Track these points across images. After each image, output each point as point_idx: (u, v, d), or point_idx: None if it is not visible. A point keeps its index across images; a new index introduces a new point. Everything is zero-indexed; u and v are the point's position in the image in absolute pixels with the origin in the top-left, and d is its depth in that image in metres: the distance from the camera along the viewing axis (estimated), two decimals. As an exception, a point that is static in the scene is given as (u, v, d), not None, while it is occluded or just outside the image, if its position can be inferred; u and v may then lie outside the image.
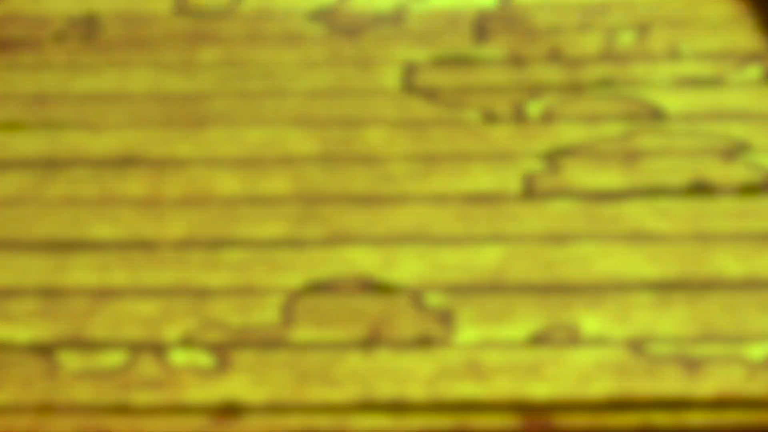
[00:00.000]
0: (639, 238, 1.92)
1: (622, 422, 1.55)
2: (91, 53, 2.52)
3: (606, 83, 2.35)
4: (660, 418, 1.56)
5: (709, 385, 1.61)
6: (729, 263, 1.84)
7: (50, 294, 1.83)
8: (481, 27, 2.59)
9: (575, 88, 2.33)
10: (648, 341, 1.70)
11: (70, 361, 1.68)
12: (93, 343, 1.72)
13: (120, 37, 2.60)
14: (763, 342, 1.68)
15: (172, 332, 1.73)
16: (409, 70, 2.43)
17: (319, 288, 1.82)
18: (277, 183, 2.06)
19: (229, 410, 1.61)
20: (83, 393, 1.62)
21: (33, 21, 2.68)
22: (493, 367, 1.65)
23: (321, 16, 2.67)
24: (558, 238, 1.92)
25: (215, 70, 2.44)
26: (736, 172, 2.05)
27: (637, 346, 1.67)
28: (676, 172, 2.05)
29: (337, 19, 2.64)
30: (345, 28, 2.60)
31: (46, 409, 1.61)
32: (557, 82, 2.35)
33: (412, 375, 1.64)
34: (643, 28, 2.57)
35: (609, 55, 2.46)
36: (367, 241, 1.92)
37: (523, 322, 1.73)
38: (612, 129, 2.19)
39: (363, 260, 1.86)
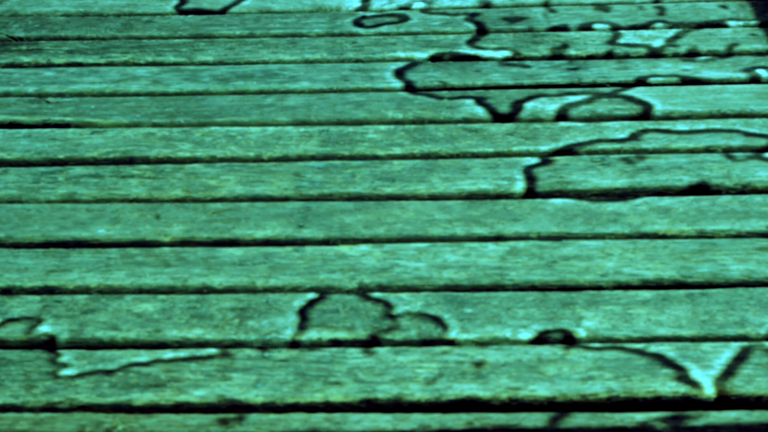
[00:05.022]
0: (639, 238, 1.92)
1: (622, 422, 1.55)
2: (91, 53, 2.52)
3: (606, 83, 2.35)
4: (660, 418, 1.56)
5: (709, 384, 1.61)
6: (729, 263, 1.84)
7: (50, 294, 1.83)
8: (482, 26, 2.59)
9: (576, 88, 2.33)
10: (648, 341, 1.70)
11: (71, 360, 1.68)
12: (93, 343, 1.72)
13: (120, 37, 2.60)
14: (763, 342, 1.68)
15: (171, 332, 1.73)
16: (409, 70, 2.43)
17: (319, 288, 1.82)
18: (277, 183, 2.06)
19: (229, 410, 1.61)
20: (83, 393, 1.62)
21: (33, 21, 2.68)
22: (494, 367, 1.65)
23: (321, 16, 2.67)
24: (558, 238, 1.92)
25: (215, 70, 2.44)
26: (736, 172, 2.05)
27: (637, 346, 1.67)
28: (676, 172, 2.05)
29: (337, 19, 2.64)
30: (346, 28, 2.60)
31: (46, 409, 1.61)
32: (558, 82, 2.35)
33: (412, 375, 1.64)
34: (644, 28, 2.57)
35: (610, 55, 2.46)
36: (367, 241, 1.92)
37: (523, 322, 1.73)
38: (612, 129, 2.19)
39: (363, 260, 1.86)
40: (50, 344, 1.73)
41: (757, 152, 2.12)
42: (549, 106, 2.26)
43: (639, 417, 1.56)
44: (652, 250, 1.87)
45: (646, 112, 2.24)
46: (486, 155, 2.13)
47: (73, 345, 1.72)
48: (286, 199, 2.03)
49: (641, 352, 1.66)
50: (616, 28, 2.56)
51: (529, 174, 2.06)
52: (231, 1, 2.73)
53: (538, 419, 1.56)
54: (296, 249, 1.89)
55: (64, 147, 2.18)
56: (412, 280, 1.82)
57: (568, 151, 2.13)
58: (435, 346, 1.70)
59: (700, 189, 2.03)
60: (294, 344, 1.71)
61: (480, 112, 2.25)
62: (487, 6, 2.69)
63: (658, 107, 2.25)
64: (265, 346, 1.71)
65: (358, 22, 2.62)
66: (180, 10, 2.70)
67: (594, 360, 1.65)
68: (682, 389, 1.60)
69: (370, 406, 1.61)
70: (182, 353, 1.69)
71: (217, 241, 1.93)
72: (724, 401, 1.60)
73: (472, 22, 2.60)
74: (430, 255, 1.87)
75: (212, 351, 1.69)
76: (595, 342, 1.70)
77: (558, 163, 2.09)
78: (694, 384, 1.60)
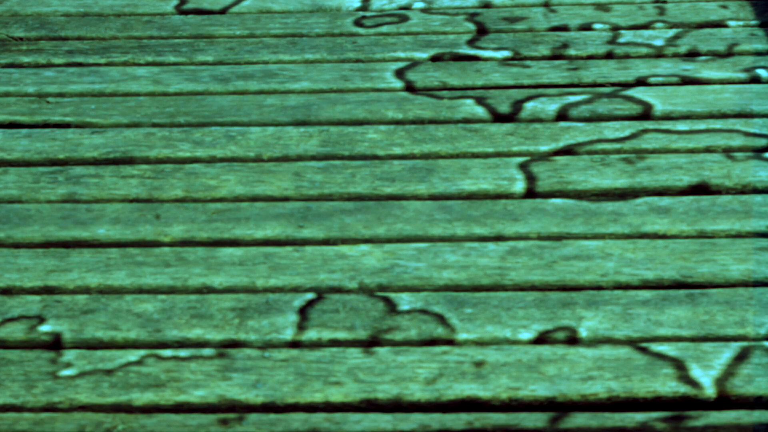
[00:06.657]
0: (639, 238, 1.92)
1: (622, 422, 1.55)
2: (91, 53, 2.52)
3: (606, 83, 2.35)
4: (660, 418, 1.56)
5: (709, 384, 1.61)
6: (729, 263, 1.84)
7: (50, 294, 1.83)
8: (482, 26, 2.59)
9: (576, 88, 2.33)
10: (648, 341, 1.70)
11: (71, 360, 1.68)
12: (93, 342, 1.72)
13: (120, 37, 2.60)
14: (763, 342, 1.68)
15: (171, 332, 1.73)
16: (409, 70, 2.43)
17: (319, 288, 1.82)
18: (277, 183, 2.06)
19: (229, 410, 1.61)
20: (83, 393, 1.62)
21: (33, 21, 2.68)
22: (494, 367, 1.65)
23: (321, 16, 2.67)
24: (558, 238, 1.92)
25: (215, 70, 2.44)
26: (736, 172, 2.05)
27: (637, 346, 1.67)
28: (676, 172, 2.05)
29: (337, 19, 2.64)
30: (346, 28, 2.60)
31: (46, 409, 1.61)
32: (558, 82, 2.35)
33: (412, 375, 1.64)
34: (644, 28, 2.57)
35: (610, 55, 2.46)
36: (367, 241, 1.92)
37: (523, 322, 1.73)
38: (612, 129, 2.19)
39: (363, 260, 1.86)
40: (51, 344, 1.72)
41: (757, 152, 2.12)
42: (549, 106, 2.26)
43: (639, 417, 1.56)
44: (652, 250, 1.87)
45: (646, 112, 2.24)
46: (486, 155, 2.13)
47: (73, 345, 1.72)
48: (286, 199, 2.03)
49: (641, 352, 1.66)
50: (616, 28, 2.56)
51: (529, 174, 2.06)
52: (231, 1, 2.73)
53: (538, 419, 1.56)
54: (296, 249, 1.89)
55: (64, 147, 2.18)
56: (412, 280, 1.82)
57: (568, 151, 2.13)
58: (435, 346, 1.70)
59: (700, 189, 2.03)
60: (294, 344, 1.71)
61: (480, 112, 2.25)
62: (487, 6, 2.69)
63: (658, 107, 2.25)
64: (265, 346, 1.71)
65: (358, 22, 2.62)
66: (180, 10, 2.70)
67: (594, 360, 1.65)
68: (682, 389, 1.60)
69: (370, 406, 1.61)
70: (182, 353, 1.69)
71: (217, 241, 1.93)
72: (724, 401, 1.60)
73: (472, 22, 2.60)
74: (430, 255, 1.87)
75: (212, 351, 1.69)
76: (595, 342, 1.70)
77: (558, 163, 2.09)
78: (694, 384, 1.60)
